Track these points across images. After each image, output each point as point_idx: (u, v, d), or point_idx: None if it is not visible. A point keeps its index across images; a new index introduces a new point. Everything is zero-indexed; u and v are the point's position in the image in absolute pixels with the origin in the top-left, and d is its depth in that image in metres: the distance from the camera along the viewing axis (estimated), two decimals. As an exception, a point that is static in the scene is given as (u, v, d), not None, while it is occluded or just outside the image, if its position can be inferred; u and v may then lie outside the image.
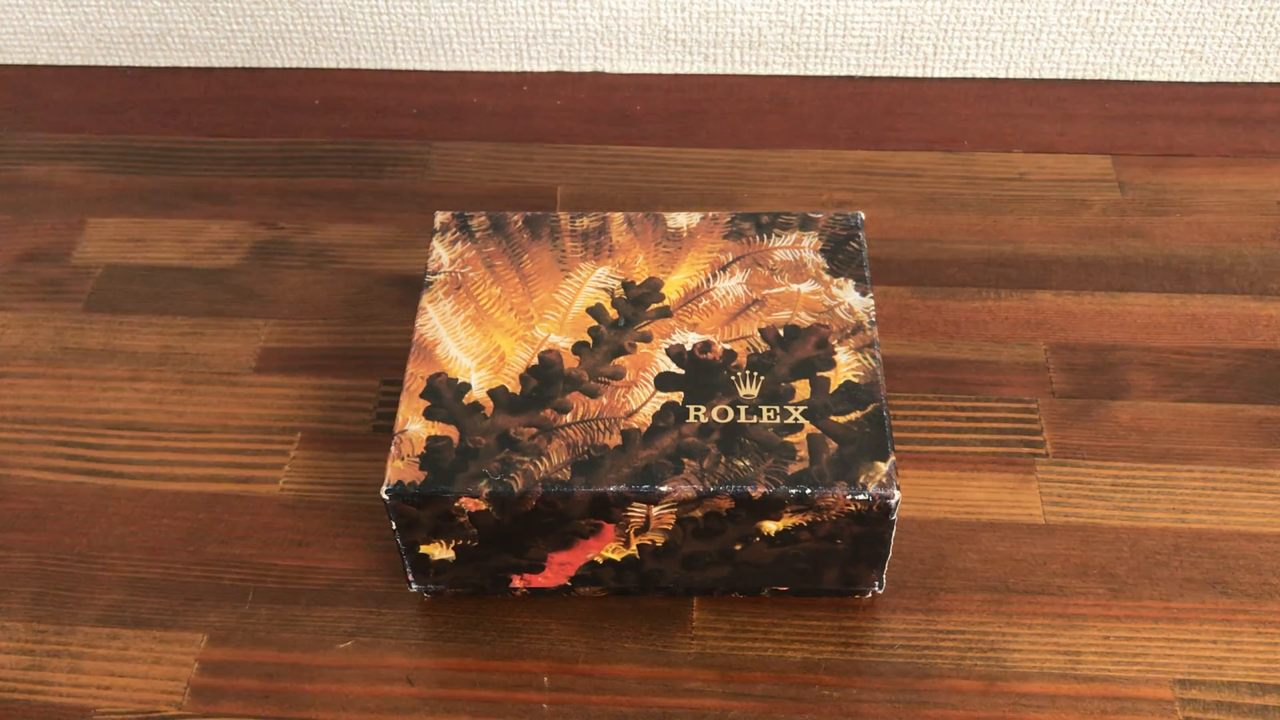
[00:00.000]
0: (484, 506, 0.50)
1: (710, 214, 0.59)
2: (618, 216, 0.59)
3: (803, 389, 0.52)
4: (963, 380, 0.63)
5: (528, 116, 0.80)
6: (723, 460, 0.50)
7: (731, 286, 0.56)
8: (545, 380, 0.52)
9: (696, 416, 0.51)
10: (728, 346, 0.53)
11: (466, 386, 0.52)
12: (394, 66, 0.83)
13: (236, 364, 0.65)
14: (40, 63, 0.85)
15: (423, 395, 0.52)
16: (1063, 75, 0.80)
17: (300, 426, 0.62)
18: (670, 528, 0.51)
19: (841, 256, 0.57)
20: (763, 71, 0.82)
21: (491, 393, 0.52)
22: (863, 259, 0.57)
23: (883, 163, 0.75)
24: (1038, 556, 0.56)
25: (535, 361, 0.53)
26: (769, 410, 0.51)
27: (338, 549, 0.57)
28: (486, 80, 0.82)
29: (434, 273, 0.57)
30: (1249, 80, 0.80)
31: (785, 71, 0.82)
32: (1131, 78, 0.80)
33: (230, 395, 0.64)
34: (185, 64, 0.84)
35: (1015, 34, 0.79)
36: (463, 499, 0.49)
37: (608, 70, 0.83)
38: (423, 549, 0.52)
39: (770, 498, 0.49)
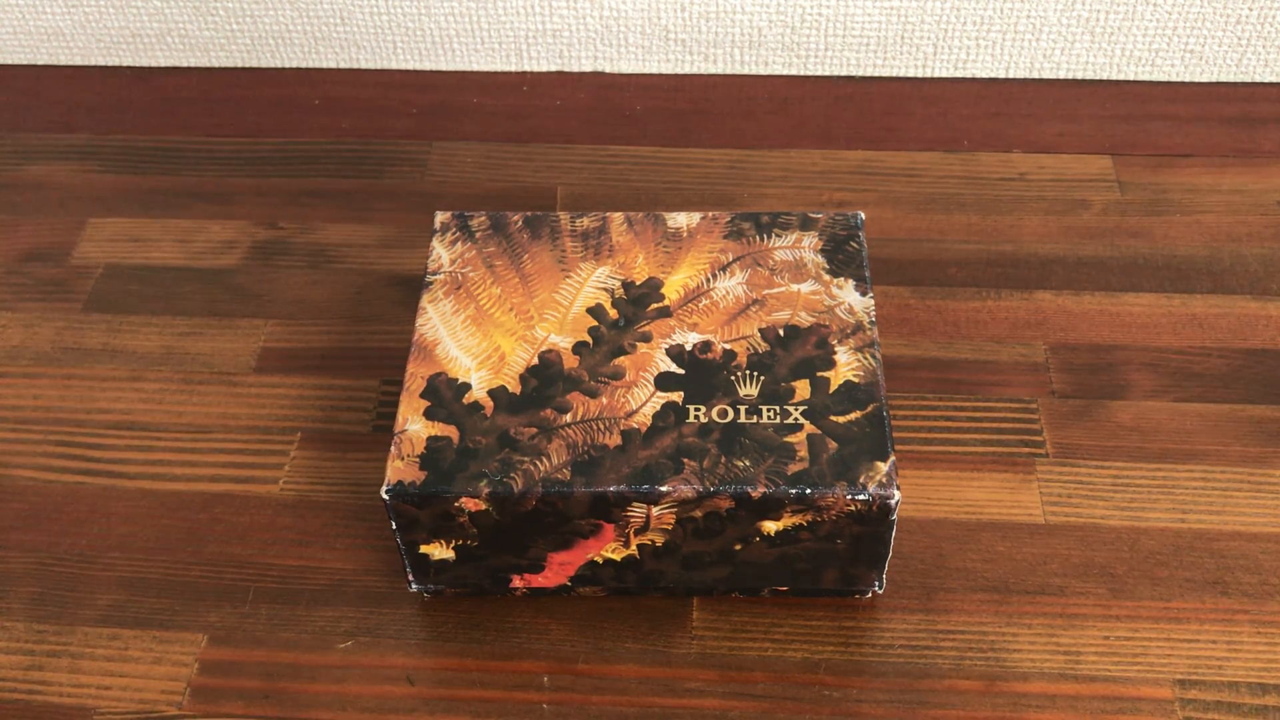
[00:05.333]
0: (484, 506, 0.50)
1: (710, 214, 0.59)
2: (618, 216, 0.59)
3: (803, 389, 0.52)
4: (963, 380, 0.63)
5: (528, 116, 0.80)
6: (723, 460, 0.50)
7: (731, 286, 0.56)
8: (545, 380, 0.52)
9: (696, 416, 0.51)
10: (728, 346, 0.53)
11: (466, 386, 0.52)
12: (394, 66, 0.83)
13: (236, 364, 0.65)
14: (40, 63, 0.85)
15: (423, 395, 0.52)
16: (1063, 75, 0.80)
17: (300, 426, 0.62)
18: (670, 528, 0.51)
19: (841, 256, 0.57)
20: (763, 71, 0.82)
21: (491, 393, 0.52)
22: (863, 259, 0.57)
23: (883, 163, 0.75)
24: (1038, 556, 0.56)
25: (535, 361, 0.53)
26: (769, 410, 0.51)
27: (338, 549, 0.57)
28: (486, 80, 0.82)
29: (434, 273, 0.57)
30: (1249, 80, 0.80)
31: (785, 71, 0.82)
32: (1131, 78, 0.80)
33: (230, 395, 0.64)
34: (185, 64, 0.84)
35: (1015, 34, 0.79)
36: (463, 499, 0.49)
37: (608, 70, 0.83)
38: (423, 549, 0.52)
39: (770, 498, 0.49)
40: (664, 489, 0.49)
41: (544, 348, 0.54)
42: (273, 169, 0.76)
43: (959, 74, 0.81)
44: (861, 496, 0.49)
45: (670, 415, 0.51)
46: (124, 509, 0.59)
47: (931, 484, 0.59)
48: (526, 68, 0.83)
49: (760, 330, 0.54)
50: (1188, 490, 0.58)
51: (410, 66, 0.83)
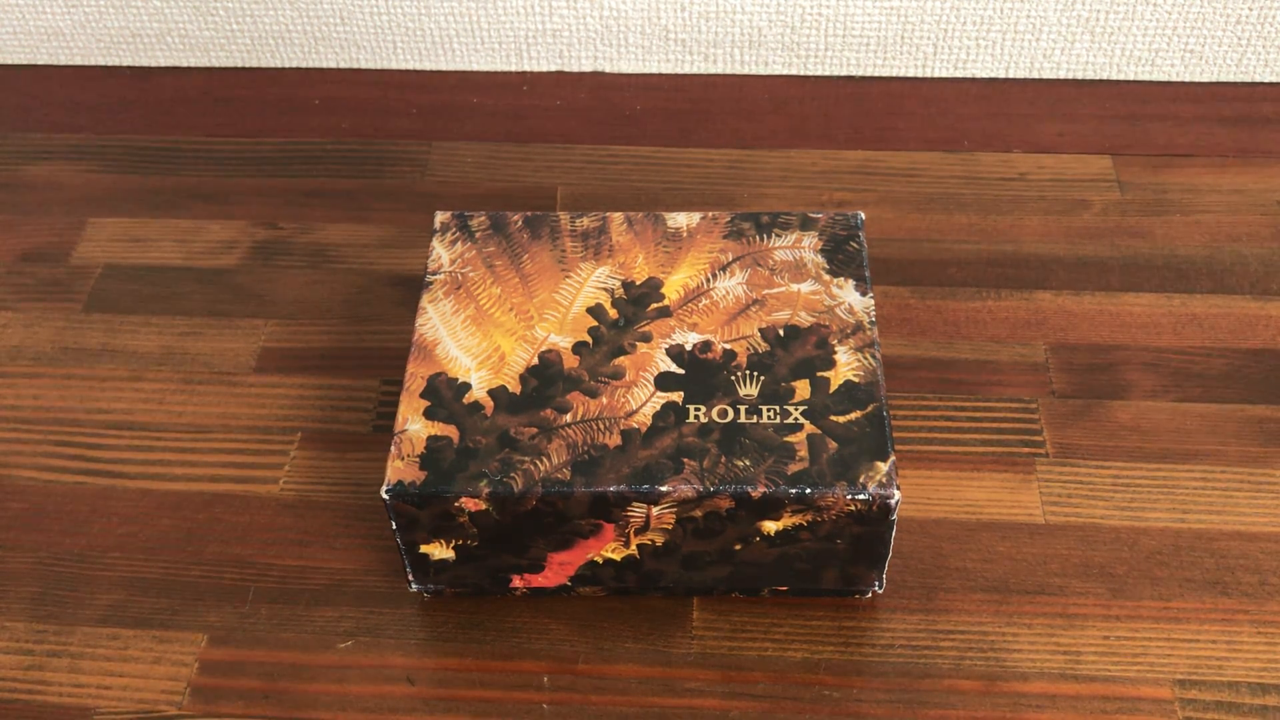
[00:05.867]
0: (484, 506, 0.50)
1: (710, 214, 0.59)
2: (618, 216, 0.59)
3: (803, 389, 0.52)
4: (963, 380, 0.63)
5: (528, 116, 0.80)
6: (723, 460, 0.50)
7: (731, 286, 0.56)
8: (545, 380, 0.52)
9: (696, 416, 0.51)
10: (728, 346, 0.53)
11: (466, 386, 0.52)
12: (394, 66, 0.83)
13: (236, 364, 0.65)
14: (40, 63, 0.85)
15: (423, 395, 0.52)
16: (1063, 75, 0.80)
17: (300, 426, 0.62)
18: (670, 528, 0.51)
19: (841, 256, 0.57)
20: (763, 71, 0.82)
21: (491, 392, 0.52)
22: (863, 259, 0.57)
23: (883, 163, 0.75)
24: (1038, 556, 0.56)
25: (535, 361, 0.53)
26: (769, 410, 0.51)
27: (338, 549, 0.57)
28: (486, 80, 0.82)
29: (434, 273, 0.57)
30: (1249, 80, 0.80)
31: (785, 71, 0.82)
32: (1131, 78, 0.80)
33: (230, 395, 0.64)
34: (185, 64, 0.84)
35: (1015, 34, 0.79)
36: (463, 499, 0.49)
37: (608, 70, 0.83)
38: (423, 549, 0.52)
39: (770, 498, 0.49)
40: (664, 489, 0.49)
41: (544, 348, 0.54)
42: (273, 169, 0.76)
43: (959, 74, 0.81)
44: (861, 496, 0.49)
45: (670, 415, 0.51)
46: (124, 509, 0.59)
47: (931, 484, 0.59)
48: (526, 68, 0.83)
49: (760, 330, 0.54)
50: (1188, 490, 0.58)
51: (410, 66, 0.83)
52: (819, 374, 0.52)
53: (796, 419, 0.51)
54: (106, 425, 0.62)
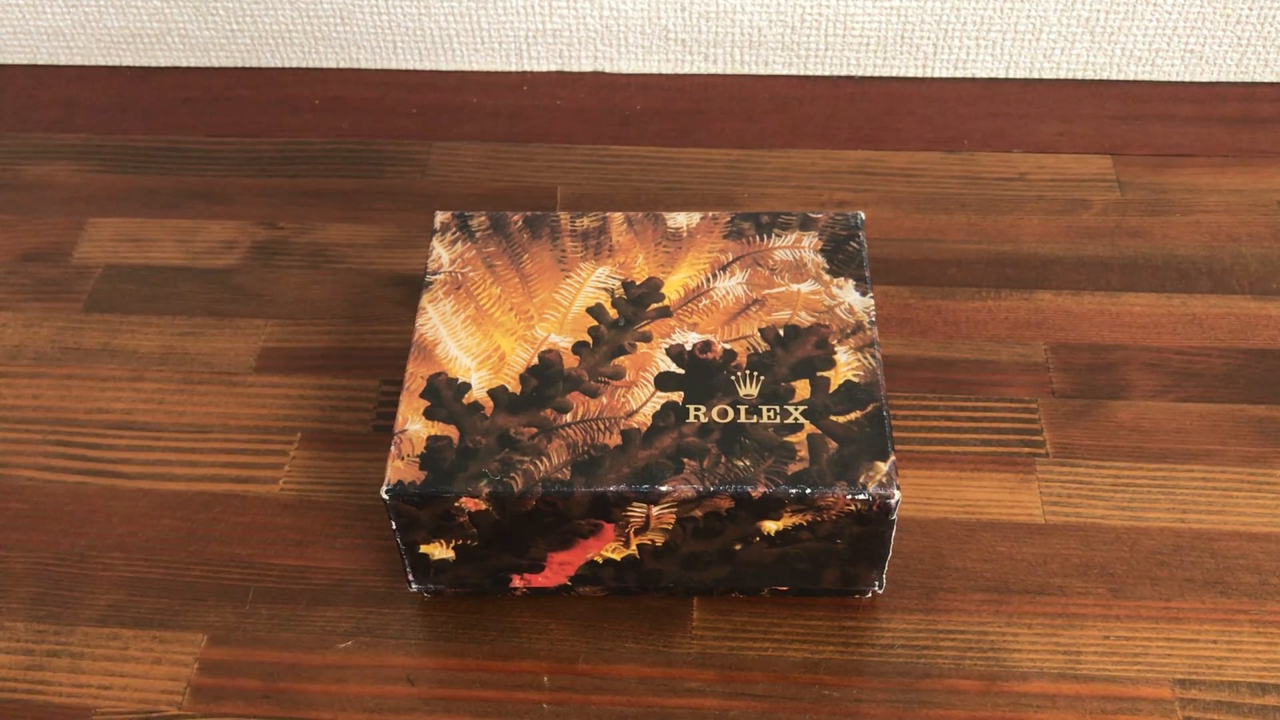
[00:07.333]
0: (484, 506, 0.50)
1: (710, 214, 0.59)
2: (618, 216, 0.59)
3: (803, 389, 0.52)
4: (963, 380, 0.63)
5: (528, 116, 0.80)
6: (723, 460, 0.50)
7: (731, 286, 0.56)
8: (545, 380, 0.52)
9: (696, 416, 0.51)
10: (728, 346, 0.53)
11: (466, 386, 0.52)
12: (394, 66, 0.83)
13: (236, 364, 0.65)
14: (40, 63, 0.85)
15: (423, 395, 0.52)
16: (1063, 75, 0.80)
17: (300, 426, 0.62)
18: (670, 528, 0.51)
19: (841, 256, 0.57)
20: (763, 71, 0.82)
21: (491, 393, 0.52)
22: (863, 259, 0.57)
23: (883, 163, 0.75)
24: (1038, 556, 0.56)
25: (535, 361, 0.53)
26: (769, 410, 0.51)
27: (338, 549, 0.57)
28: (486, 80, 0.82)
29: (434, 273, 0.57)
30: (1249, 80, 0.80)
31: (785, 71, 0.82)
32: (1131, 78, 0.80)
33: (230, 395, 0.64)
34: (185, 64, 0.84)
35: (1015, 34, 0.79)
36: (463, 499, 0.49)
37: (608, 70, 0.83)
38: (423, 549, 0.52)
39: (770, 498, 0.49)
40: (664, 489, 0.49)
41: (544, 348, 0.54)
42: (273, 169, 0.77)
43: (959, 74, 0.81)
44: (861, 496, 0.49)
45: (670, 415, 0.51)
46: (124, 509, 0.59)
47: (931, 484, 0.59)
48: (526, 68, 0.83)
49: (760, 330, 0.54)
50: (1188, 490, 0.58)
51: (410, 66, 0.83)
52: (819, 374, 0.52)
53: (796, 419, 0.51)
54: (106, 425, 0.62)
